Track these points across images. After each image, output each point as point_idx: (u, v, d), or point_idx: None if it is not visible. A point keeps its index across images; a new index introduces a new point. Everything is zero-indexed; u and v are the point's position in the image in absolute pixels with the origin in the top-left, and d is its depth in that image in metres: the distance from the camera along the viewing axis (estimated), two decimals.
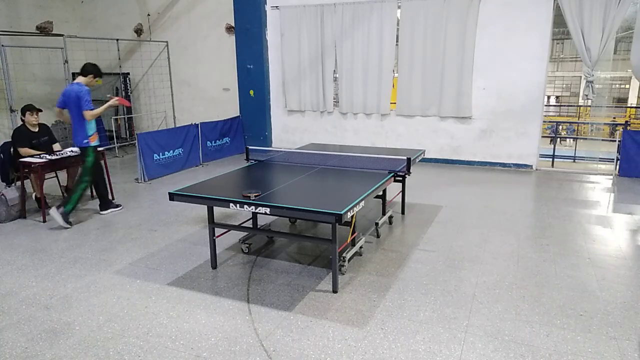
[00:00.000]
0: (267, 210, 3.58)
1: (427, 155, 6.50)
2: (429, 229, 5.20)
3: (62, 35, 9.02)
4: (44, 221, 5.60)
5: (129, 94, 10.85)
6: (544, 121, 9.18)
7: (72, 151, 6.21)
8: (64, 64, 8.85)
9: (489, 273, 4.07)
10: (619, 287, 3.81)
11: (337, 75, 9.14)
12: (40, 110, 6.15)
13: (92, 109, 5.28)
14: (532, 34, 7.53)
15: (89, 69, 5.40)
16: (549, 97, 26.02)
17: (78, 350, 3.06)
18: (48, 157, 5.80)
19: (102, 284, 3.99)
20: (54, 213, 5.33)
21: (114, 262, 4.43)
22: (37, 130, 6.12)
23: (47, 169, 5.73)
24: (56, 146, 6.34)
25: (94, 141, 5.47)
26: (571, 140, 16.78)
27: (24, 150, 5.94)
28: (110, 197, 6.15)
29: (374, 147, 7.08)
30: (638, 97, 24.25)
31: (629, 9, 7.00)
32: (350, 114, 9.10)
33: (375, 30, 8.45)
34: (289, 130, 9.73)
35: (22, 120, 6.06)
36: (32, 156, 5.85)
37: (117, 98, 5.62)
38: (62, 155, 5.94)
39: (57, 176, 6.46)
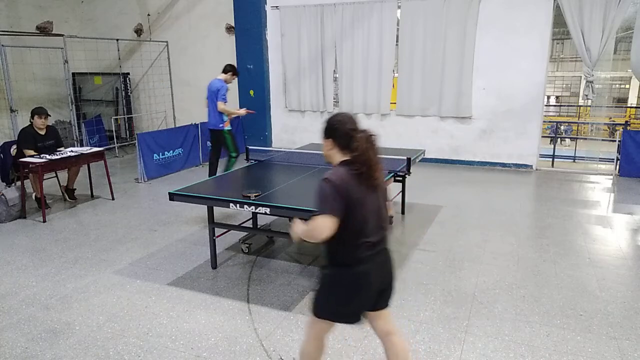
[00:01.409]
0: (267, 210, 3.59)
1: (427, 155, 6.50)
2: (429, 229, 5.20)
3: (62, 35, 9.01)
4: (44, 221, 5.59)
5: (129, 93, 10.84)
6: (544, 121, 9.17)
7: (72, 151, 6.20)
8: (64, 64, 8.85)
9: (489, 273, 4.07)
10: (619, 287, 3.81)
11: (337, 75, 9.14)
12: (49, 115, 6.14)
13: (224, 102, 6.27)
14: (532, 34, 7.53)
15: (227, 68, 6.43)
16: (548, 97, 26.00)
17: (78, 350, 3.06)
18: (48, 157, 5.79)
19: (102, 284, 3.99)
20: None
21: (114, 262, 4.43)
22: (44, 133, 6.08)
23: (47, 169, 5.72)
24: (61, 150, 6.30)
25: (227, 126, 6.44)
26: (570, 140, 16.78)
27: (28, 152, 5.93)
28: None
29: None
30: (638, 97, 24.25)
31: (629, 9, 7.00)
32: None
33: (375, 30, 8.44)
34: (289, 130, 9.72)
35: (30, 122, 6.03)
36: (32, 156, 5.85)
37: (245, 110, 6.67)
38: (62, 155, 5.92)
39: (57, 176, 6.46)
